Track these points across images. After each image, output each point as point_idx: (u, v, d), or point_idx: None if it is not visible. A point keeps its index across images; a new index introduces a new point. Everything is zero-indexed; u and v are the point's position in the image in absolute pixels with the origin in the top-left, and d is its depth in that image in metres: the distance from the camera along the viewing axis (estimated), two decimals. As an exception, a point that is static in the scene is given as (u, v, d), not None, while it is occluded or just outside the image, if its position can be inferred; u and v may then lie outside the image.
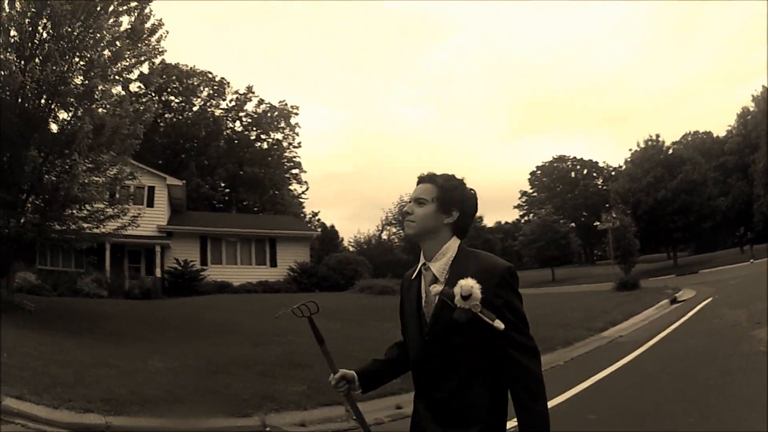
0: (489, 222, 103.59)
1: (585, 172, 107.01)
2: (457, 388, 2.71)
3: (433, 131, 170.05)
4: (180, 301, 28.32)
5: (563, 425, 7.63)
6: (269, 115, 73.85)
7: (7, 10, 18.43)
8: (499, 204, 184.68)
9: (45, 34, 18.83)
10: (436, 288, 2.74)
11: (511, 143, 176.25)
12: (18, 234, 18.71)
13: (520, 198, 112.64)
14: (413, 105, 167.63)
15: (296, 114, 74.76)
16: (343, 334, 15.87)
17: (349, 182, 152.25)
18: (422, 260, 2.89)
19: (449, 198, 2.80)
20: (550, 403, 8.55)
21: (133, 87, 54.58)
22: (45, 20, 18.61)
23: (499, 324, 2.57)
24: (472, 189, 2.88)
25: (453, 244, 2.82)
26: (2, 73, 18.03)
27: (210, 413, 8.88)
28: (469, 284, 2.59)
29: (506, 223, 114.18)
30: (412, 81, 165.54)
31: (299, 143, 75.63)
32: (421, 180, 2.91)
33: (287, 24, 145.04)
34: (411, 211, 2.86)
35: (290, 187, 75.65)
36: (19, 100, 18.58)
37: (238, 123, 74.80)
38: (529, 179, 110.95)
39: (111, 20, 19.88)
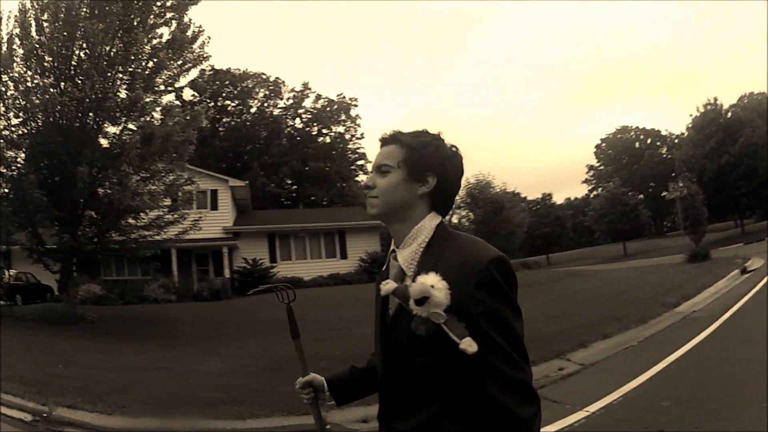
0: (558, 199, 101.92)
1: (649, 141, 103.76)
2: (425, 423, 1.98)
3: (496, 111, 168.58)
4: (249, 299, 28.36)
5: (636, 415, 7.13)
6: (328, 109, 73.96)
7: (36, 37, 18.78)
8: (567, 180, 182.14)
9: (82, 55, 19.13)
10: (388, 286, 2.00)
11: (574, 118, 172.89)
12: (73, 248, 19.08)
13: (587, 173, 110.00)
14: (474, 86, 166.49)
15: (355, 106, 74.84)
16: None
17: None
18: (392, 247, 2.17)
19: (421, 160, 2.05)
20: (624, 390, 7.71)
21: (187, 95, 55.99)
22: (80, 41, 18.89)
23: (468, 345, 1.79)
24: (452, 146, 2.12)
25: (428, 224, 2.06)
26: (41, 97, 18.25)
27: (269, 412, 8.55)
28: (426, 283, 1.83)
29: (576, 199, 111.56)
30: (471, 62, 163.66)
31: (362, 134, 75.67)
32: (383, 142, 2.16)
33: (336, 17, 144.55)
34: (372, 184, 2.11)
35: (357, 179, 75.36)
36: (63, 121, 18.91)
37: (297, 120, 75.30)
38: (594, 152, 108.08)
39: (150, 33, 20.07)
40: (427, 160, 2.05)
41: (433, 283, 1.83)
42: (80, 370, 11.28)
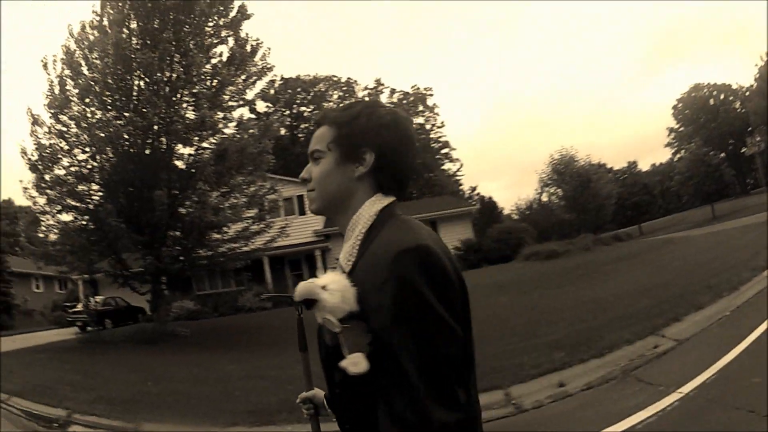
0: (644, 166, 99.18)
1: (722, 97, 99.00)
2: None
3: (572, 81, 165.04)
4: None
5: (728, 394, 6.65)
6: (405, 102, 73.71)
7: (89, 74, 19.31)
8: (650, 146, 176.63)
9: (141, 84, 19.62)
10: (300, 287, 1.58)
11: (647, 81, 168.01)
12: (159, 269, 19.50)
13: (668, 135, 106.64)
14: (548, 58, 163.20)
15: (431, 95, 74.55)
16: (509, 310, 14.96)
17: (502, 150, 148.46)
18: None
19: (352, 135, 1.70)
20: (717, 366, 7.04)
21: (262, 107, 56.70)
22: (137, 72, 19.37)
23: (349, 363, 1.42)
24: (392, 110, 1.75)
25: (366, 211, 1.70)
26: (106, 130, 18.70)
27: None
28: (316, 283, 1.51)
29: (660, 164, 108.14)
30: (541, 34, 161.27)
31: (442, 123, 75.26)
32: (315, 124, 1.82)
33: (389, 8, 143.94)
34: (308, 176, 1.79)
35: (443, 168, 75.02)
36: (132, 150, 19.47)
37: (376, 116, 75.07)
38: (672, 114, 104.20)
39: (208, 53, 20.49)
40: (360, 134, 1.69)
41: (326, 282, 1.50)
42: (171, 386, 11.45)
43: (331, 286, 1.48)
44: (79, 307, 29.14)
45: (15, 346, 20.91)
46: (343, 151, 1.70)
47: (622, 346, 9.36)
